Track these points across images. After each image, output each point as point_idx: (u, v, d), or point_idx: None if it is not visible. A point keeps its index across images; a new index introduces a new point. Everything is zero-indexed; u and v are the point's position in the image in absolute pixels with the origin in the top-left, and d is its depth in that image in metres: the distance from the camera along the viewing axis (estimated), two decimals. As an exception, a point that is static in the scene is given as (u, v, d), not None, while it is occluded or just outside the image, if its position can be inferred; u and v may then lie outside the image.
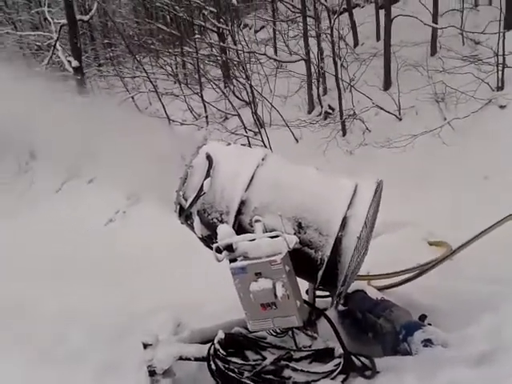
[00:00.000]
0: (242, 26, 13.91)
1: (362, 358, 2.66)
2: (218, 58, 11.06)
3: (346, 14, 10.60)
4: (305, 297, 2.85)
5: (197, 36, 12.31)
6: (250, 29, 14.45)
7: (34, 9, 16.87)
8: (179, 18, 13.02)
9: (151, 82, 11.40)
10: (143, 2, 15.72)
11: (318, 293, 3.09)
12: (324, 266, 2.53)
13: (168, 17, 15.39)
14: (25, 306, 4.53)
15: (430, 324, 2.92)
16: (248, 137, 8.69)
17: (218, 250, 2.49)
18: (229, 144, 3.05)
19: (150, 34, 14.82)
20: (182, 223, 2.89)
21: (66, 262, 6.59)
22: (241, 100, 9.91)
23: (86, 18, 12.72)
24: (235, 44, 9.98)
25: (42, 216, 9.79)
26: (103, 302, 4.52)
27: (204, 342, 2.96)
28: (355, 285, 3.39)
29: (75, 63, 11.06)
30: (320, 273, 2.56)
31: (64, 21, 11.70)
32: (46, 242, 7.87)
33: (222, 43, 10.80)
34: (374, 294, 3.52)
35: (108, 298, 4.67)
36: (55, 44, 12.01)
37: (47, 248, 7.56)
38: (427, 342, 2.71)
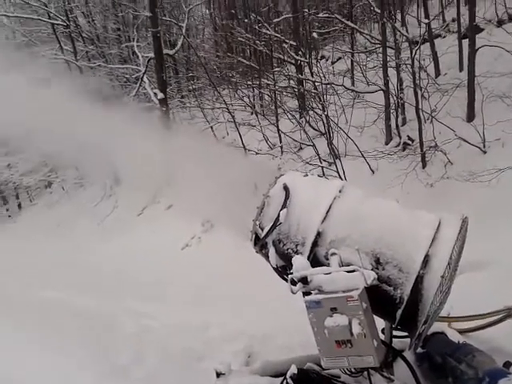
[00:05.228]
0: (319, 57, 14.06)
1: (443, 405, 2.50)
2: (296, 89, 11.22)
3: (427, 45, 10.41)
4: (381, 336, 2.73)
5: (276, 69, 12.61)
6: (327, 60, 14.57)
7: (123, 43, 18.19)
8: (259, 51, 13.45)
9: (230, 112, 11.78)
10: (225, 37, 16.41)
11: (395, 333, 2.96)
12: (404, 304, 2.42)
13: (248, 50, 15.96)
14: (106, 324, 4.72)
15: (516, 372, 2.69)
16: (323, 167, 8.66)
17: (293, 282, 2.46)
18: (306, 175, 3.05)
19: (230, 67, 15.38)
20: (256, 252, 2.91)
21: (145, 283, 6.87)
22: (316, 130, 9.95)
23: (171, 52, 13.47)
24: (312, 75, 10.08)
25: (123, 239, 10.32)
26: (179, 326, 4.62)
27: (276, 376, 2.92)
28: (435, 326, 3.19)
29: (160, 95, 11.66)
30: (399, 312, 2.45)
31: (151, 55, 12.44)
32: (126, 263, 8.27)
33: (299, 75, 10.95)
34: (455, 336, 3.32)
35: (184, 320, 4.76)
36: (142, 76, 12.81)
37: (127, 269, 7.94)
38: (513, 392, 2.50)
